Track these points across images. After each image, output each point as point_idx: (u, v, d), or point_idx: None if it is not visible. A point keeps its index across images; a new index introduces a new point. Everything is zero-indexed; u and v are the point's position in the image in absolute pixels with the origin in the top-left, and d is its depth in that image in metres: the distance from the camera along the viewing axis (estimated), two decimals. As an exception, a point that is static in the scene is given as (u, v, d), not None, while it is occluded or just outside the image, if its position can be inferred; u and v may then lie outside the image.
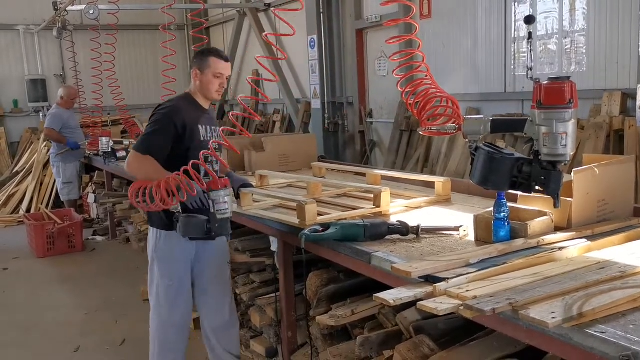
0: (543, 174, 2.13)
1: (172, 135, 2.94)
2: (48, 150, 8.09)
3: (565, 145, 2.06)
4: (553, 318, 1.61)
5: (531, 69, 2.07)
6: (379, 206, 3.06)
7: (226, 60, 3.08)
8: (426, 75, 2.91)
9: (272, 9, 7.15)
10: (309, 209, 2.83)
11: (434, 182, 3.42)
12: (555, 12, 4.82)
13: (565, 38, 4.76)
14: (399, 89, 2.87)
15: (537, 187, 2.19)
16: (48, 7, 8.49)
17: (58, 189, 7.82)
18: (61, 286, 5.60)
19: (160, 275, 3.12)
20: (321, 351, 2.97)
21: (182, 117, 2.97)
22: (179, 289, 3.16)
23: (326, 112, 7.50)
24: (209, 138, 3.06)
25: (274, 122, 9.02)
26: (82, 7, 7.57)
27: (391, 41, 2.79)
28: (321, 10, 7.32)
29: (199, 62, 3.04)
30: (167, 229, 3.03)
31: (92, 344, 4.24)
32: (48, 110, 9.28)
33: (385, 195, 3.07)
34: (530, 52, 2.06)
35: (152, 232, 3.14)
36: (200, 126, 3.06)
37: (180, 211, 2.82)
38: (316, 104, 7.63)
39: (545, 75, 2.19)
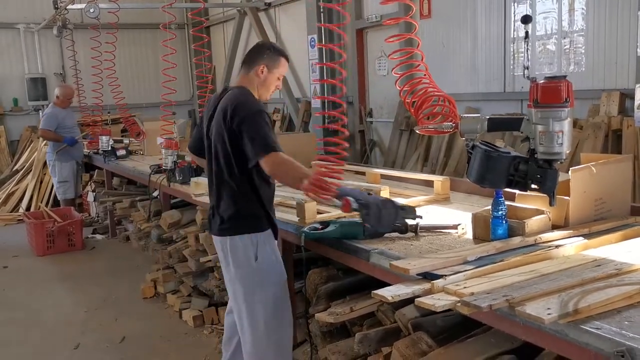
0: (539, 172, 2.15)
1: None
2: (48, 149, 8.08)
3: (562, 143, 2.08)
4: (549, 314, 1.63)
5: (528, 68, 2.09)
6: None
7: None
8: (425, 75, 2.94)
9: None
10: (309, 208, 2.85)
11: (433, 181, 3.44)
12: (555, 12, 4.84)
13: (564, 38, 4.78)
14: (397, 87, 2.89)
15: (533, 185, 2.21)
16: (48, 5, 8.50)
17: (55, 188, 7.82)
18: (61, 284, 5.61)
19: (267, 288, 2.68)
20: (320, 348, 2.99)
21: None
22: (287, 299, 2.78)
23: (326, 111, 7.51)
24: None
25: (274, 121, 9.04)
26: (83, 5, 7.58)
27: (391, 39, 2.81)
28: (321, 10, 7.33)
29: (269, 59, 2.76)
30: (265, 229, 2.68)
31: (92, 341, 4.25)
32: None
33: (385, 193, 3.09)
34: (527, 51, 2.08)
35: (241, 241, 2.66)
36: None
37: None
38: (316, 103, 7.65)
39: (543, 75, 2.20)
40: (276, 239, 2.79)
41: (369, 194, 2.57)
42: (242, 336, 2.78)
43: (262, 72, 2.74)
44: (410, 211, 2.35)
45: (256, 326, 2.70)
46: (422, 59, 2.98)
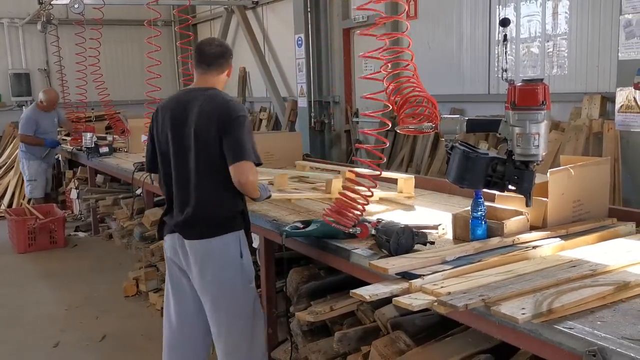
0: (516, 174, 2.18)
1: None
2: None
3: (538, 145, 2.11)
4: (523, 314, 1.65)
5: (506, 71, 2.11)
6: (329, 192, 3.43)
7: None
8: (413, 75, 2.95)
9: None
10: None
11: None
12: (538, 15, 4.88)
13: (548, 41, 4.83)
14: (385, 83, 2.90)
15: (510, 186, 2.23)
16: (32, 0, 8.41)
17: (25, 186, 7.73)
18: (42, 282, 5.56)
19: (247, 282, 2.77)
20: (301, 347, 3.00)
21: None
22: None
23: (312, 110, 7.52)
24: None
25: (261, 120, 9.02)
26: (67, 1, 7.49)
27: (382, 38, 2.81)
28: (308, 9, 7.33)
29: (230, 59, 2.83)
30: (244, 228, 2.78)
31: (72, 339, 4.22)
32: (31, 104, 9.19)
33: (337, 182, 3.33)
34: (505, 54, 2.10)
35: (230, 238, 2.70)
36: None
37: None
38: (302, 102, 7.64)
39: (524, 77, 2.23)
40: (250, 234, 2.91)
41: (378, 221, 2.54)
42: (220, 337, 2.77)
43: (229, 73, 2.86)
44: (423, 237, 2.37)
45: (239, 322, 2.75)
46: (412, 59, 3.00)
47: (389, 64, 2.69)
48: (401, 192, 3.42)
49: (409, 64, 2.88)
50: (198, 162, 2.65)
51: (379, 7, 2.78)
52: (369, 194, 2.64)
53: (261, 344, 2.88)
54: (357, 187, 2.62)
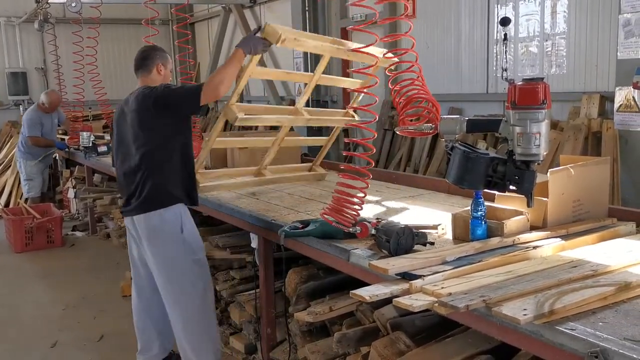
0: (517, 174, 2.17)
1: None
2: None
3: (539, 145, 2.10)
4: (525, 315, 1.64)
5: (506, 70, 2.10)
6: None
7: None
8: (418, 77, 2.95)
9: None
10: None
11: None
12: (537, 14, 4.88)
13: (547, 41, 4.82)
14: (390, 86, 2.90)
15: (511, 187, 2.22)
16: (30, -1, 8.38)
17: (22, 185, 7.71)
18: (39, 281, 5.53)
19: (189, 253, 3.08)
20: (299, 348, 2.99)
21: None
22: (205, 262, 3.21)
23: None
24: None
25: (258, 119, 9.00)
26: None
27: (385, 39, 2.82)
28: (306, 8, 7.31)
29: (162, 58, 3.24)
30: (187, 204, 3.11)
31: (70, 339, 4.20)
32: (28, 103, 9.16)
33: None
34: (506, 53, 2.09)
35: (169, 213, 3.03)
36: None
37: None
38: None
39: (523, 76, 2.22)
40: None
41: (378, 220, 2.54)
42: (170, 309, 3.12)
43: (161, 69, 3.22)
44: (423, 237, 2.36)
45: (187, 295, 3.08)
46: (416, 60, 3.00)
47: (392, 66, 2.68)
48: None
49: (413, 65, 2.87)
50: (138, 147, 3.04)
51: (376, 6, 2.76)
52: (362, 194, 2.62)
53: (212, 314, 3.20)
54: (351, 185, 2.60)
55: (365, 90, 2.83)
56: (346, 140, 2.90)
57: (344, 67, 7.19)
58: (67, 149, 7.38)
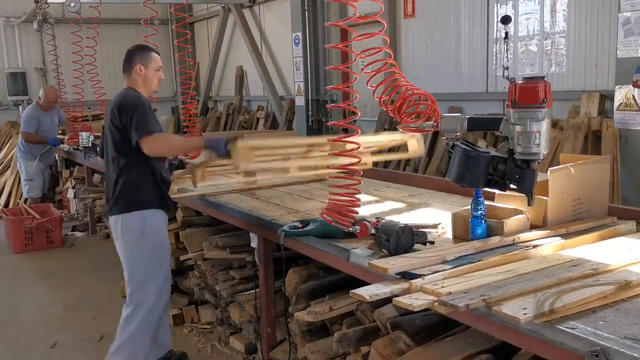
0: (517, 172, 2.16)
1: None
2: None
3: (539, 144, 2.09)
4: (525, 314, 1.64)
5: (507, 69, 2.10)
6: None
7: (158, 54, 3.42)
8: (396, 73, 2.93)
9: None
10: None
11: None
12: (537, 13, 4.87)
13: (546, 39, 4.82)
14: (370, 86, 2.89)
15: (511, 185, 2.22)
16: (29, -1, 8.36)
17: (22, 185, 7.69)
18: (39, 282, 5.53)
19: (151, 260, 3.19)
20: (300, 347, 2.98)
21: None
22: (168, 272, 3.33)
23: (310, 109, 7.49)
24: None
25: (258, 119, 9.00)
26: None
27: (359, 38, 2.80)
28: (306, 8, 7.31)
29: (141, 57, 3.27)
30: (155, 207, 3.20)
31: (70, 339, 4.19)
32: (28, 103, 9.15)
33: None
34: (507, 51, 2.09)
35: (133, 217, 3.15)
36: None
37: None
38: (300, 101, 7.62)
39: (524, 75, 2.21)
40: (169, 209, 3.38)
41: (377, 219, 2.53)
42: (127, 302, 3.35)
43: (141, 70, 3.26)
44: (422, 236, 2.35)
45: (142, 293, 3.25)
46: (391, 57, 2.99)
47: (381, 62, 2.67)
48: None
49: (388, 63, 2.86)
50: (110, 149, 3.20)
51: (373, 5, 2.75)
52: (357, 192, 2.60)
53: (146, 337, 3.31)
54: (344, 185, 2.58)
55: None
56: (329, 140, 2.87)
57: (344, 61, 7.19)
58: (60, 144, 7.32)
